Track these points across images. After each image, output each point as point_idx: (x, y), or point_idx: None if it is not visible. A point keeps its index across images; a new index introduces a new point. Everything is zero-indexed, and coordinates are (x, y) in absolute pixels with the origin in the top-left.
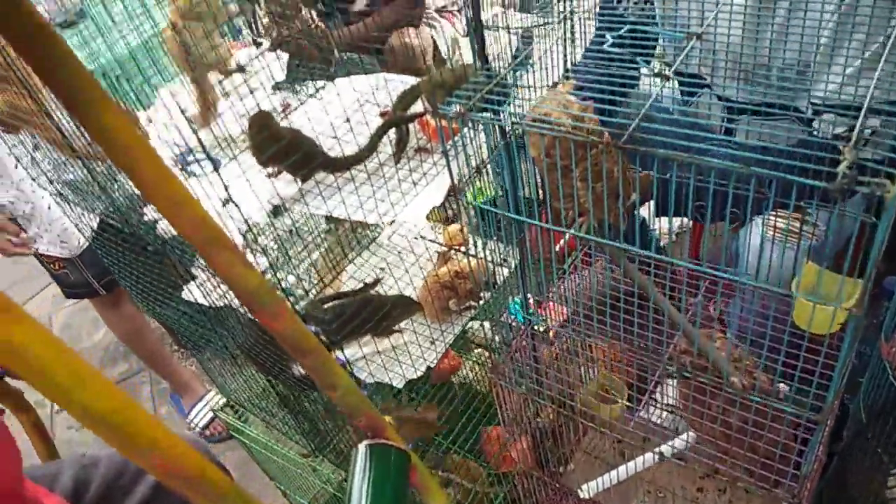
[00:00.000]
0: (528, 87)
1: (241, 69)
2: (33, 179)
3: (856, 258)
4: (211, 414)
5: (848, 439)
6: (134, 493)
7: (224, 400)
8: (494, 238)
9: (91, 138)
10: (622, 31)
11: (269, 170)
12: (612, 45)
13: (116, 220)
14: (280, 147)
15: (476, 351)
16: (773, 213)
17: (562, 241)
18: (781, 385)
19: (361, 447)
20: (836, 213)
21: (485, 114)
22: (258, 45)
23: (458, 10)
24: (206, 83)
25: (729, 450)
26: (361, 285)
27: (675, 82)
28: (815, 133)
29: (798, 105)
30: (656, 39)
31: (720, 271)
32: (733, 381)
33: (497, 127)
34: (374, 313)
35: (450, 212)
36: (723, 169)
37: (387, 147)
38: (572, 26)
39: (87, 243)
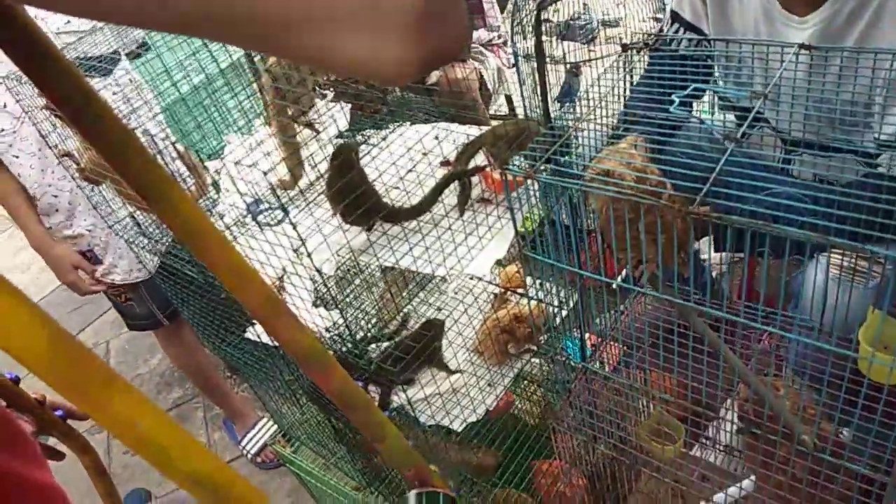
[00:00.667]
0: (581, 119)
1: (310, 125)
2: (104, 218)
3: None
4: (263, 442)
5: None
6: None
7: (276, 428)
8: (550, 279)
9: (162, 220)
10: (687, 91)
11: (338, 217)
12: (678, 105)
13: (191, 270)
14: (353, 191)
15: (524, 383)
16: (841, 253)
17: (619, 278)
18: (845, 432)
19: (411, 496)
20: None
21: (551, 175)
22: (323, 96)
23: (504, 43)
24: (293, 135)
25: (796, 502)
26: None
27: (730, 115)
28: (880, 170)
29: (861, 142)
30: (708, 81)
31: (780, 319)
32: (805, 438)
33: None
34: (415, 340)
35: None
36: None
37: (450, 198)
38: (630, 61)
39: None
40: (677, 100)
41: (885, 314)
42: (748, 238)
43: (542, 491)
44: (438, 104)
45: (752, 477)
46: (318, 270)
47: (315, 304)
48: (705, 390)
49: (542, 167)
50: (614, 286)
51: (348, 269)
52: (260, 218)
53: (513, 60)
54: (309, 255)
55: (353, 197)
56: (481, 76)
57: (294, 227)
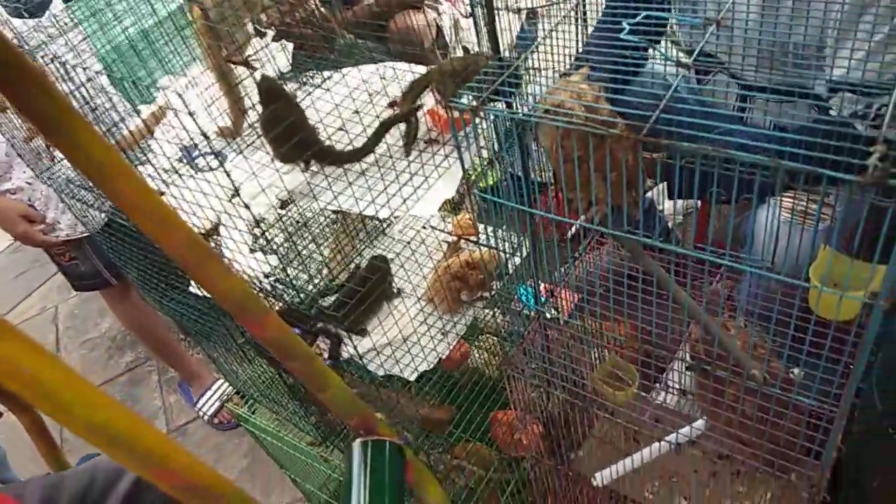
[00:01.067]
0: (538, 69)
1: (245, 63)
2: (37, 175)
3: (867, 240)
4: (219, 402)
5: (863, 426)
6: None
7: (231, 388)
8: (504, 227)
9: (64, 156)
10: (639, 17)
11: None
12: (629, 32)
13: (125, 219)
14: (283, 121)
15: (484, 336)
16: (793, 195)
17: (574, 227)
18: (796, 370)
19: (356, 445)
20: (849, 196)
21: (498, 105)
22: (262, 35)
23: None
24: (233, 80)
25: (746, 438)
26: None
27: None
28: (831, 113)
29: (814, 86)
30: (667, 21)
31: (729, 258)
32: (754, 374)
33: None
34: (361, 284)
35: (459, 202)
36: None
37: (398, 139)
38: (584, 7)
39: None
40: (627, 26)
41: (834, 251)
42: (698, 178)
43: (499, 440)
44: (392, 51)
45: (705, 417)
46: (255, 218)
47: (252, 250)
48: (656, 332)
49: (489, 100)
50: (569, 235)
51: (297, 221)
52: (199, 163)
53: (470, 11)
54: (246, 206)
55: (284, 127)
56: (438, 26)
57: (228, 175)
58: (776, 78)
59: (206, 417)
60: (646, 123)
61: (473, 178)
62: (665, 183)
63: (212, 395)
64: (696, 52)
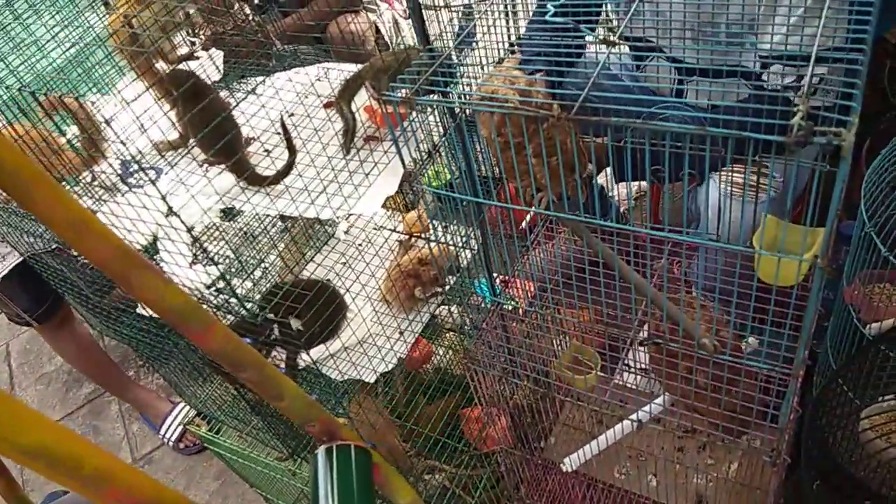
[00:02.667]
0: (474, 65)
1: (189, 56)
2: None
3: (812, 207)
4: (182, 427)
5: (819, 386)
6: None
7: (193, 412)
8: (455, 222)
9: None
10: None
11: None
12: (555, 14)
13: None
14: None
15: (448, 335)
16: (731, 168)
17: (527, 218)
18: (751, 339)
19: (320, 452)
20: (792, 164)
21: (431, 96)
22: (192, 44)
23: None
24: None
25: (705, 409)
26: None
27: (625, 48)
28: (764, 87)
29: (746, 62)
30: (600, 5)
31: (680, 234)
32: (704, 342)
33: (446, 109)
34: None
35: (408, 199)
36: (680, 123)
37: (335, 139)
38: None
39: (7, 272)
40: (552, 9)
41: (775, 218)
42: (643, 163)
43: (471, 438)
44: (333, 54)
45: (666, 393)
46: (188, 229)
47: (192, 263)
48: (611, 314)
49: (422, 91)
50: (524, 225)
51: (242, 232)
52: (130, 180)
53: (409, 12)
54: (184, 223)
55: (214, 126)
56: (377, 28)
57: (157, 189)
58: (709, 57)
59: (170, 443)
60: (578, 104)
61: (424, 178)
62: (613, 168)
63: (173, 421)
64: (622, 27)
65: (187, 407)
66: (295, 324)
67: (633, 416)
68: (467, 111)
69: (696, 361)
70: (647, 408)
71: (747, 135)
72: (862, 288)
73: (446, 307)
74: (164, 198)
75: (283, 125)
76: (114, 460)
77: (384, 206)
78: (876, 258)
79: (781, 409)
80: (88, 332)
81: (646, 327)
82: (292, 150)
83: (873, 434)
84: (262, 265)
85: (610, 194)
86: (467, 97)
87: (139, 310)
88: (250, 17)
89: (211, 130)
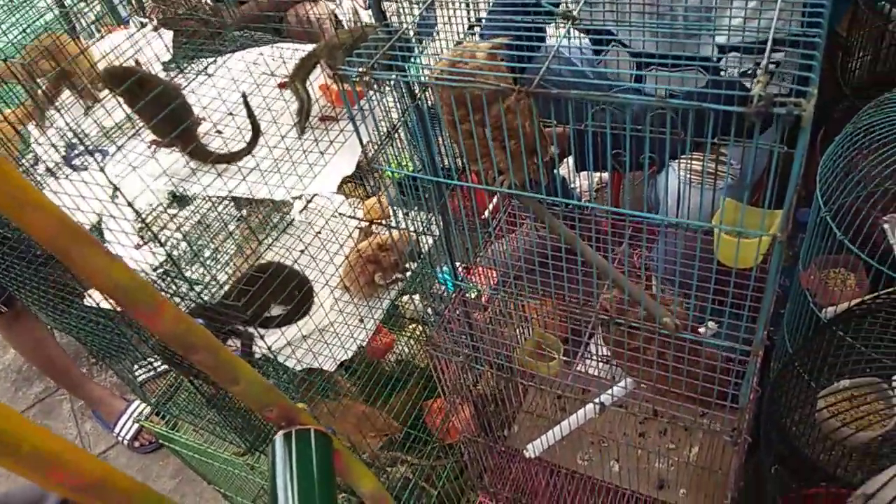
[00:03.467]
0: (434, 51)
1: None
2: None
3: (770, 190)
4: (137, 425)
5: (777, 370)
6: None
7: (148, 408)
8: (415, 208)
9: None
10: None
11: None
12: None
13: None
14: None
15: (410, 327)
16: (690, 157)
17: (490, 207)
18: (710, 323)
19: (278, 437)
20: (752, 147)
21: (389, 72)
22: (143, 25)
23: None
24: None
25: (667, 391)
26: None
27: (585, 40)
28: (721, 75)
29: (704, 51)
30: None
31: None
32: (665, 321)
33: (405, 87)
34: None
35: (368, 188)
36: (637, 112)
37: (289, 118)
38: None
39: None
40: None
41: (733, 201)
42: (604, 148)
43: (434, 428)
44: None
45: (628, 378)
46: (137, 212)
47: (137, 246)
48: (567, 296)
49: (378, 66)
50: (486, 215)
51: (195, 220)
52: (75, 163)
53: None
54: (130, 204)
55: (169, 112)
56: (336, 17)
57: (101, 169)
58: (666, 45)
59: (125, 442)
60: (538, 79)
61: (372, 151)
62: (574, 156)
63: (128, 419)
64: (580, 4)
65: (142, 405)
66: (277, 310)
67: (596, 400)
68: (427, 90)
69: (659, 344)
70: (610, 391)
71: (708, 106)
72: (818, 273)
73: (408, 296)
74: (112, 183)
75: (247, 103)
76: (57, 440)
77: (345, 194)
78: (831, 243)
79: (741, 388)
80: (45, 325)
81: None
82: (256, 129)
83: (828, 414)
84: (215, 251)
85: (571, 185)
86: (426, 72)
87: (87, 301)
88: (204, 2)
89: (164, 117)
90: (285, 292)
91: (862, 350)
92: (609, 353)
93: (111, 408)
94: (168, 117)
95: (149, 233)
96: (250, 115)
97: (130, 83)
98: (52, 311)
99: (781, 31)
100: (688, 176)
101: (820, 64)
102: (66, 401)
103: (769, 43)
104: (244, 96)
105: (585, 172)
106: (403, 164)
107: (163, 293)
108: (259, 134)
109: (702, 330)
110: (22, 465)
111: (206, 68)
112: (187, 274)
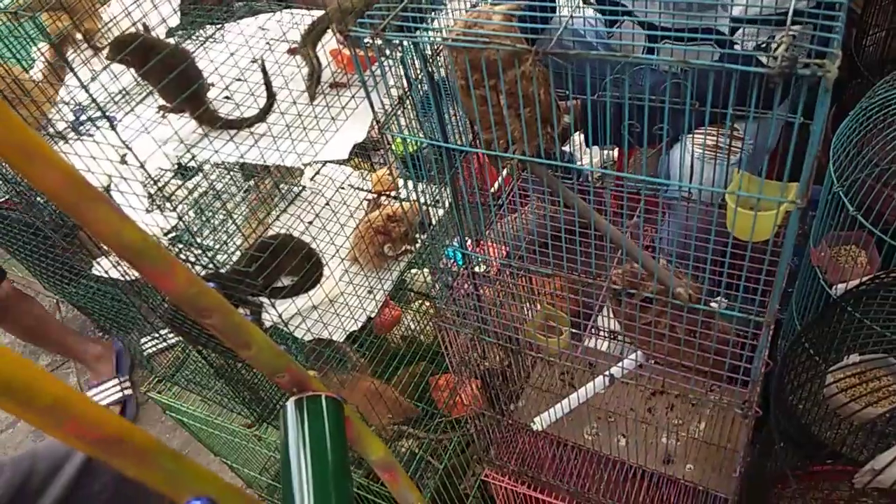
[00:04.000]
0: (447, 16)
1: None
2: None
3: (783, 163)
4: (110, 399)
5: (786, 347)
6: (46, 494)
7: (122, 395)
8: (425, 179)
9: None
10: None
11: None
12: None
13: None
14: (159, 58)
15: (417, 302)
16: (701, 130)
17: (498, 181)
18: (720, 298)
19: (289, 403)
20: (771, 117)
21: (401, 34)
22: None
23: None
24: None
25: (678, 364)
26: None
27: (597, 12)
28: (735, 48)
29: (717, 25)
30: None
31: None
32: (679, 291)
33: (418, 51)
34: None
35: (374, 161)
36: (653, 83)
37: (300, 83)
38: None
39: None
40: None
41: (747, 173)
42: (617, 120)
43: (440, 403)
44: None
45: (638, 351)
46: (150, 174)
47: (148, 210)
48: (579, 269)
49: (391, 27)
50: (494, 188)
51: (204, 189)
52: (82, 128)
53: None
54: (142, 165)
55: (178, 75)
56: None
57: (115, 131)
58: (680, 21)
59: None
60: (555, 39)
61: (383, 117)
62: (586, 129)
63: (101, 391)
64: None
65: (116, 387)
66: (286, 280)
67: (606, 373)
68: (439, 56)
69: (670, 315)
70: (620, 364)
71: (733, 67)
72: (828, 250)
73: (416, 269)
74: (116, 133)
75: (264, 70)
76: (75, 393)
77: (352, 165)
78: (842, 220)
79: (754, 360)
80: (39, 304)
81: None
82: (271, 95)
83: (837, 390)
84: (226, 218)
85: (578, 162)
86: (440, 34)
87: (94, 269)
88: None
89: (174, 82)
90: (295, 262)
91: (873, 327)
92: (618, 327)
93: (98, 372)
94: (176, 81)
95: (160, 196)
96: (267, 82)
97: (138, 46)
98: (58, 282)
99: (801, 2)
100: (701, 151)
101: (843, 27)
102: (72, 373)
103: (791, 6)
104: (262, 65)
105: (592, 149)
106: (413, 133)
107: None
108: (273, 101)
109: (713, 305)
110: (41, 417)
111: (213, 34)
112: (194, 233)
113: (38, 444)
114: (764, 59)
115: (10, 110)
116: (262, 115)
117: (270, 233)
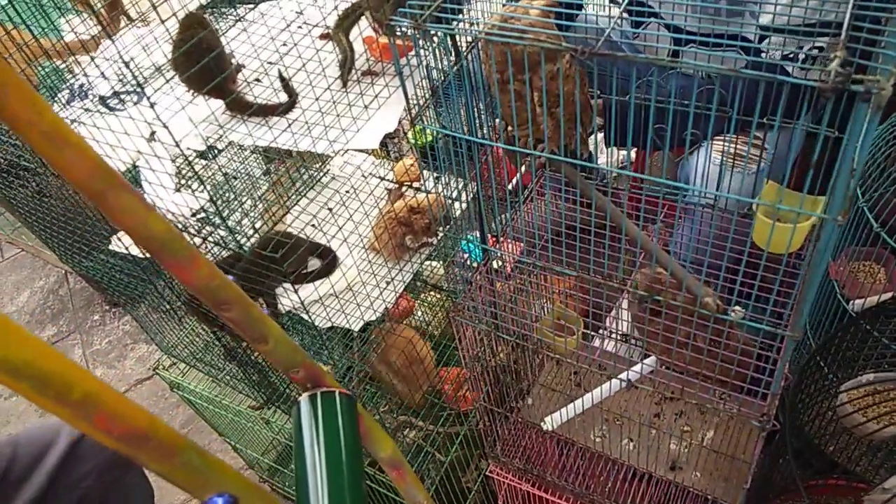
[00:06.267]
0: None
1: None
2: None
3: (803, 175)
4: None
5: (801, 362)
6: (30, 482)
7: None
8: (447, 172)
9: None
10: None
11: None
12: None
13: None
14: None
15: (430, 294)
16: (723, 137)
17: (516, 178)
18: (737, 308)
19: (303, 398)
20: (800, 128)
21: (441, 25)
22: None
23: None
24: None
25: (696, 373)
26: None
27: (623, 13)
28: (762, 56)
29: (745, 32)
30: None
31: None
32: (707, 301)
33: (453, 43)
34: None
35: (395, 149)
36: (680, 86)
37: (332, 70)
38: None
39: None
40: None
41: (778, 185)
42: (642, 123)
43: (448, 398)
44: None
45: (652, 356)
46: (177, 143)
47: (176, 190)
48: (592, 269)
49: (432, 18)
50: (514, 184)
51: (224, 172)
52: (111, 102)
53: None
54: (177, 144)
55: (204, 62)
56: None
57: (152, 107)
58: (707, 25)
59: None
60: (602, 42)
61: (416, 108)
62: (607, 130)
63: None
64: None
65: None
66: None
67: (622, 376)
68: (474, 49)
69: (696, 326)
70: (636, 368)
71: (783, 78)
72: (847, 264)
73: (436, 262)
74: (153, 109)
75: (282, 78)
76: (104, 387)
77: (376, 155)
78: (864, 235)
79: (776, 373)
80: None
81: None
82: (291, 95)
83: (851, 408)
84: (256, 201)
85: (598, 162)
86: (480, 25)
87: (113, 245)
88: None
89: (198, 71)
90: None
91: (890, 346)
92: (631, 330)
93: None
94: (201, 71)
95: (189, 175)
96: (285, 85)
97: (191, 31)
98: (73, 254)
99: (831, 13)
100: (721, 157)
101: None
102: (77, 345)
103: (846, 19)
104: (280, 75)
105: (611, 149)
106: (437, 124)
107: (199, 240)
108: (295, 100)
109: (732, 314)
110: (70, 411)
111: (245, 15)
112: (224, 216)
113: (18, 433)
114: (789, 69)
115: (36, 94)
116: (284, 112)
117: (290, 218)
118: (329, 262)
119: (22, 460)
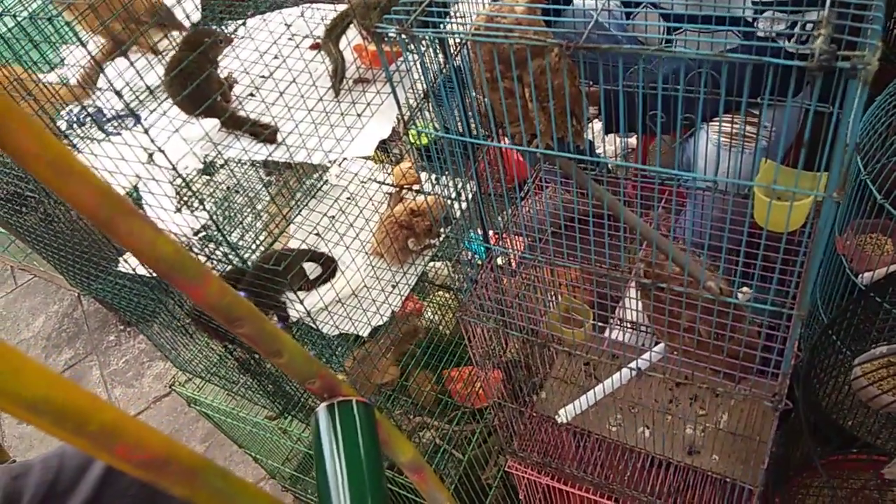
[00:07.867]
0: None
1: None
2: None
3: (798, 151)
4: None
5: (813, 339)
6: (76, 492)
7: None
8: (446, 173)
9: None
10: None
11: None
12: None
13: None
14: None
15: (437, 294)
16: (731, 118)
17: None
18: (745, 289)
19: (321, 409)
20: (789, 107)
21: (426, 30)
22: None
23: None
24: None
25: (706, 357)
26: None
27: (614, 1)
28: (755, 35)
29: (737, 13)
30: None
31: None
32: (710, 285)
33: (441, 46)
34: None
35: (396, 151)
36: (672, 72)
37: (323, 81)
38: None
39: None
40: None
41: (776, 164)
42: (636, 109)
43: (455, 396)
44: None
45: (661, 343)
46: (179, 173)
47: (177, 209)
48: (607, 263)
49: (417, 23)
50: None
51: (226, 186)
52: (107, 127)
53: None
54: (174, 167)
55: (190, 81)
56: None
57: (143, 128)
58: (695, 11)
59: None
60: (585, 34)
61: (413, 131)
62: (604, 118)
63: None
64: None
65: None
66: (309, 268)
67: (632, 365)
68: (463, 50)
69: (701, 310)
70: (646, 356)
71: (768, 60)
72: (854, 238)
73: (435, 263)
74: (153, 141)
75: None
76: (122, 415)
77: (373, 160)
78: (869, 207)
79: (785, 352)
80: None
81: (638, 271)
82: (272, 129)
83: (866, 381)
84: (252, 212)
85: (598, 151)
86: (466, 28)
87: (121, 266)
88: None
89: (187, 98)
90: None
91: None
92: (641, 319)
93: None
94: (192, 94)
95: (188, 195)
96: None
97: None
98: (84, 278)
99: None
100: (722, 139)
101: (883, 16)
102: (95, 367)
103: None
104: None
105: (611, 137)
106: (432, 127)
107: (203, 257)
108: (276, 134)
109: (740, 296)
110: (90, 442)
111: (236, 30)
112: (225, 234)
113: (63, 444)
114: (786, 44)
115: (39, 123)
116: (273, 135)
117: (293, 229)
118: (327, 264)
119: (68, 471)
